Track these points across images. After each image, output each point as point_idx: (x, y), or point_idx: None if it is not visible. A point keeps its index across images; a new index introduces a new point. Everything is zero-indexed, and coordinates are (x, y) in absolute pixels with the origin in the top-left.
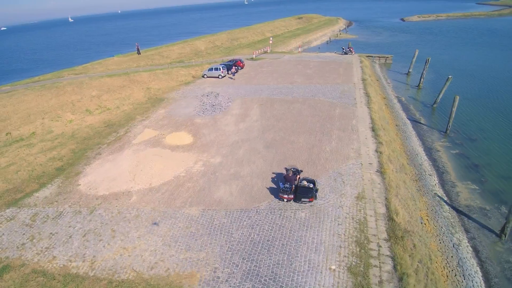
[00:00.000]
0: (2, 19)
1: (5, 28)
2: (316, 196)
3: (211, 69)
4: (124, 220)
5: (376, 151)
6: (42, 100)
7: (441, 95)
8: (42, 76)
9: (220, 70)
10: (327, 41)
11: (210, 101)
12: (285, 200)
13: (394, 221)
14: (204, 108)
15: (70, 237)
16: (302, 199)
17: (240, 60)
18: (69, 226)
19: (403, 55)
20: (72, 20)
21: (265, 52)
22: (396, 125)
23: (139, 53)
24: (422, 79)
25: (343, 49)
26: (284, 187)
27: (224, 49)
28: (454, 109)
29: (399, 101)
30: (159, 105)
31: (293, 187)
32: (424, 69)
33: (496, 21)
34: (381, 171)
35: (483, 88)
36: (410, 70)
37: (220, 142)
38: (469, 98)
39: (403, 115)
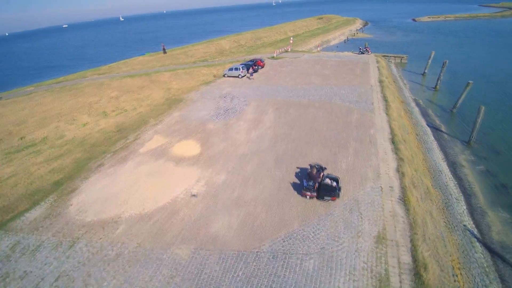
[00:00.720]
0: (65, 18)
1: (66, 26)
2: (339, 194)
3: (231, 69)
4: (103, 261)
5: (397, 170)
6: (60, 103)
7: (460, 101)
8: (67, 77)
9: (240, 70)
10: (345, 40)
11: (225, 104)
12: (307, 197)
13: (422, 278)
14: (218, 112)
15: (42, 279)
16: (325, 197)
17: (261, 60)
18: (45, 264)
19: (417, 55)
20: (122, 19)
21: (286, 51)
22: (417, 135)
23: (165, 52)
24: (439, 81)
25: (360, 48)
26: (307, 184)
27: (248, 48)
28: (479, 120)
29: (417, 104)
30: (176, 107)
31: (316, 185)
32: (441, 72)
33: (499, 22)
34: (404, 200)
35: (502, 93)
36: (426, 71)
37: (228, 154)
38: (487, 103)
39: (422, 122)
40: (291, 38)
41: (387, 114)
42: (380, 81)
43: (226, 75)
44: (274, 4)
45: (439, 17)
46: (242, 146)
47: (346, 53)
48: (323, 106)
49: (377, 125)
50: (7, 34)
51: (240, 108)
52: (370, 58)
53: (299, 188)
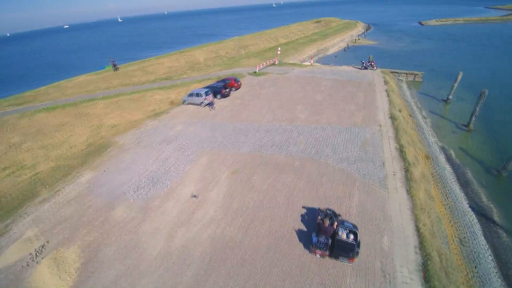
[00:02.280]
0: (66, 18)
1: (67, 26)
2: (358, 253)
3: (191, 95)
4: None
5: None
6: None
7: None
8: None
9: (202, 96)
10: (345, 48)
11: (158, 165)
12: (318, 256)
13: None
14: (144, 178)
15: None
16: (340, 257)
17: (235, 79)
18: None
19: (434, 70)
20: (121, 20)
21: (273, 64)
22: (462, 243)
23: (115, 69)
24: (473, 118)
25: (363, 63)
26: (317, 241)
27: (228, 59)
28: None
29: (449, 159)
30: (92, 162)
31: (330, 241)
32: (478, 104)
33: None
34: None
35: None
36: (450, 97)
37: None
38: None
39: (465, 206)
40: (279, 49)
41: (409, 193)
42: (392, 117)
43: (186, 102)
44: (274, 5)
45: (447, 21)
46: (150, 276)
47: (345, 67)
48: (306, 169)
49: (393, 225)
50: (8, 35)
51: (179, 172)
52: (376, 75)
53: None
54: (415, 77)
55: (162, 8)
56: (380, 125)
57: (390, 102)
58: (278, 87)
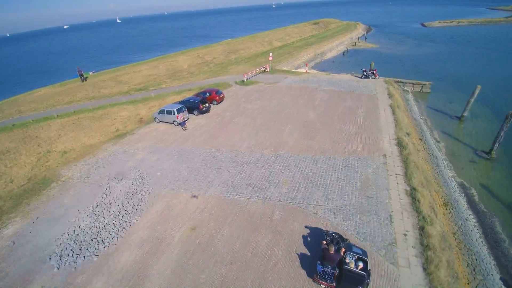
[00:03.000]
0: (66, 19)
1: (67, 27)
2: (368, 284)
3: (162, 112)
4: None
5: None
6: None
7: None
8: None
9: (174, 114)
10: (344, 52)
11: (99, 212)
12: (323, 287)
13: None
14: (68, 244)
15: None
16: None
17: (217, 92)
18: None
19: (441, 78)
20: (119, 21)
21: (264, 71)
22: None
23: (83, 80)
24: (497, 144)
25: (364, 71)
26: (322, 270)
27: (215, 66)
28: None
29: (471, 205)
30: (26, 206)
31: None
32: (502, 130)
33: None
34: None
35: None
36: (465, 114)
37: None
38: None
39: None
40: (270, 54)
41: (426, 271)
42: (400, 143)
43: (156, 120)
44: (274, 6)
45: (451, 22)
46: None
47: (344, 75)
48: (288, 227)
49: None
50: (8, 35)
51: (121, 227)
52: (379, 86)
53: None
54: (422, 87)
55: (163, 8)
56: (385, 155)
57: (396, 121)
58: (266, 100)
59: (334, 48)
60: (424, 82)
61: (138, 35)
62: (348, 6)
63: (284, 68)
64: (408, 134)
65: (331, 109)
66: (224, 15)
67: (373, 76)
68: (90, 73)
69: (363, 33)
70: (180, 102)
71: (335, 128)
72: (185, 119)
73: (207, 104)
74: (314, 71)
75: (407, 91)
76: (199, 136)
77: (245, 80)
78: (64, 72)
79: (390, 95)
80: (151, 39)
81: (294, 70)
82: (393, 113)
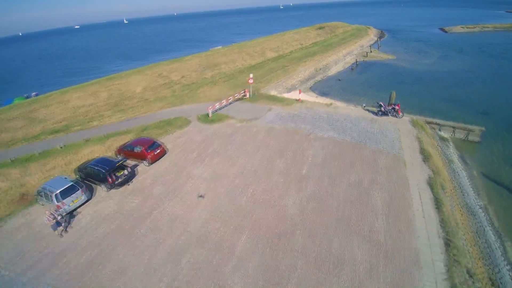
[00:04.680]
0: (78, 19)
1: (78, 27)
2: None
3: (42, 191)
4: None
5: None
6: None
7: None
8: None
9: (52, 199)
10: (353, 65)
11: None
12: None
13: None
14: None
15: None
16: None
17: (151, 145)
18: None
19: (487, 111)
20: (126, 22)
21: (243, 98)
22: None
23: None
24: None
25: (381, 106)
26: None
27: (182, 88)
28: None
29: None
30: None
31: None
32: None
33: None
34: None
35: None
36: None
37: None
38: None
39: None
40: (250, 76)
41: None
42: None
43: (40, 202)
44: (281, 7)
45: (474, 28)
46: None
47: (352, 108)
48: None
49: None
50: (20, 34)
51: None
52: (404, 132)
53: None
54: (468, 134)
55: (173, 9)
56: None
57: (445, 229)
58: (228, 160)
59: (341, 60)
60: (471, 127)
61: (133, 38)
62: (359, 8)
63: (272, 93)
64: (472, 275)
65: (327, 191)
66: (230, 17)
67: (394, 113)
68: (33, 94)
69: (375, 39)
70: (81, 169)
71: (333, 245)
72: (71, 210)
73: (125, 171)
74: (310, 98)
75: (446, 139)
76: (82, 252)
77: (210, 114)
78: (20, 87)
79: (426, 156)
80: (132, 45)
81: (284, 96)
82: (436, 204)
